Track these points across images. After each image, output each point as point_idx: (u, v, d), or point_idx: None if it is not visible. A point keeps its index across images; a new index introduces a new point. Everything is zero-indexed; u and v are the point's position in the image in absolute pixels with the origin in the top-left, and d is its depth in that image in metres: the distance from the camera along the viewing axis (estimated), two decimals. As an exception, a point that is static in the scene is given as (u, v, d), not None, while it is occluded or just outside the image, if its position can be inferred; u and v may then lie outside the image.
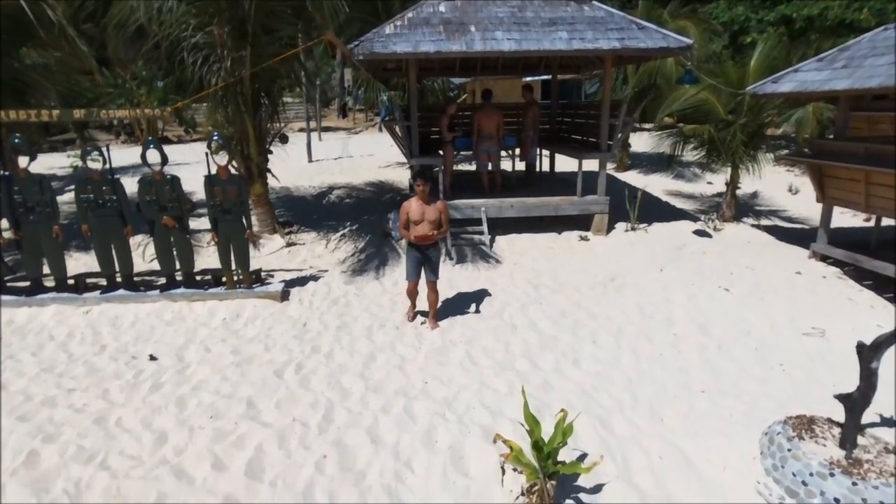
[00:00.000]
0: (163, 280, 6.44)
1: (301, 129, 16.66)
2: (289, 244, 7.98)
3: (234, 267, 6.31)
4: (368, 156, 16.52)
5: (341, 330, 5.66)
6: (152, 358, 5.13)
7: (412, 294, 5.80)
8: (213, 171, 6.00)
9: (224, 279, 6.39)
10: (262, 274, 6.91)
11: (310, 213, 9.69)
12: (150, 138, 5.78)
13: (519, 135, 9.70)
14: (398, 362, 5.03)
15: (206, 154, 5.92)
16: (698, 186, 12.48)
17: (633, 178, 13.22)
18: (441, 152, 9.59)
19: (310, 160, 15.84)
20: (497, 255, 7.74)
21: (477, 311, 6.09)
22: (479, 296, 6.48)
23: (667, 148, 9.45)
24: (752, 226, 9.33)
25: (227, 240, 6.17)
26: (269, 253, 7.83)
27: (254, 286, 6.46)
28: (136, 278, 6.46)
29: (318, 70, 27.56)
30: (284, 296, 6.43)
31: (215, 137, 5.92)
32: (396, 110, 7.92)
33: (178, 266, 6.37)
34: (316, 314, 6.06)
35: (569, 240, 8.37)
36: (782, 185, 12.17)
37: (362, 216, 9.30)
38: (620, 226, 8.76)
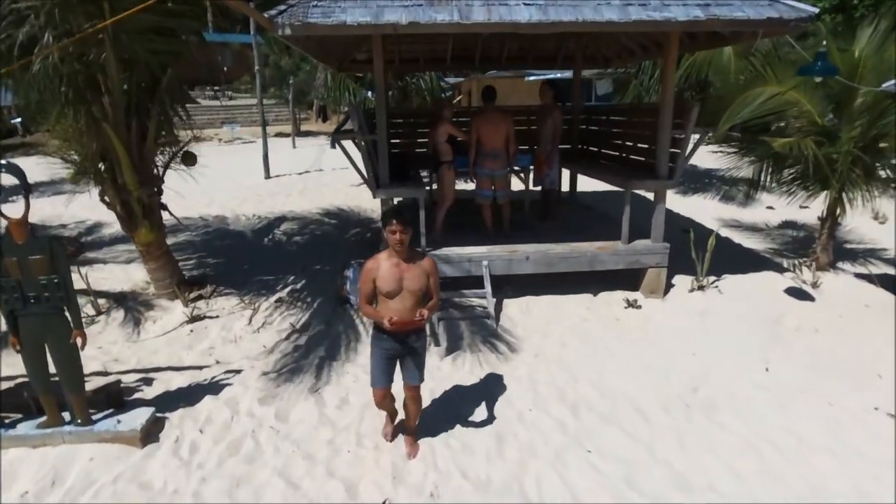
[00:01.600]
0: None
1: (276, 135, 13.88)
2: (192, 318, 5.28)
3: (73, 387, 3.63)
4: (342, 169, 13.77)
5: (223, 536, 3.01)
6: None
7: (384, 402, 3.48)
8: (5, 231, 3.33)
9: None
10: (125, 384, 4.28)
11: (240, 259, 6.96)
12: None
13: (533, 149, 7.07)
14: None
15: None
16: (756, 212, 9.84)
17: (671, 199, 10.54)
18: (423, 173, 6.99)
19: (267, 176, 13.08)
20: (507, 338, 5.09)
21: (478, 470, 3.46)
22: (482, 429, 3.85)
23: (747, 170, 6.84)
24: (857, 276, 6.72)
25: (36, 346, 3.50)
26: (160, 334, 5.13)
27: (97, 421, 3.76)
28: None
29: (297, 68, 24.80)
30: (150, 435, 3.77)
31: (2, 168, 3.26)
32: (355, 118, 5.25)
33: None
34: (192, 481, 3.39)
35: (610, 305, 5.72)
36: (863, 211, 9.56)
37: (314, 265, 6.62)
38: (679, 281, 6.10)
